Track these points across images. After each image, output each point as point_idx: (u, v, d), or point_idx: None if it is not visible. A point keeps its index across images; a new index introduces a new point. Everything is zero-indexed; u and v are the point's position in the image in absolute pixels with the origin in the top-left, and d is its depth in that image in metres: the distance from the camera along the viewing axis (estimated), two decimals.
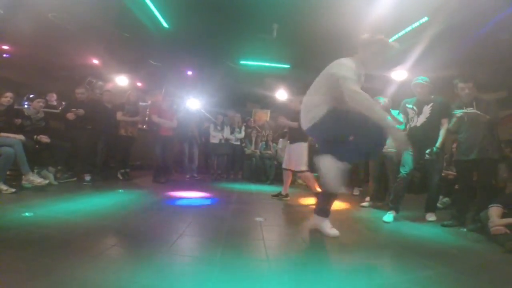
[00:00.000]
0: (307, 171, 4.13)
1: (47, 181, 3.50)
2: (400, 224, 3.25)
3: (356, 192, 5.40)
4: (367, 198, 4.29)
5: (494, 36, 4.59)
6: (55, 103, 5.69)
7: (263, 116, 10.94)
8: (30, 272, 1.37)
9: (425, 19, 4.72)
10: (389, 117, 3.89)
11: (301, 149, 4.15)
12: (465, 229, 3.09)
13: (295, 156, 4.19)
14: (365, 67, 2.40)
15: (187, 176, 6.15)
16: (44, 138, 3.88)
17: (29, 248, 1.66)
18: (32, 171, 3.65)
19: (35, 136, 3.85)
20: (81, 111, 4.37)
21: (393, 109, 4.39)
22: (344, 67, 2.23)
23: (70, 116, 4.31)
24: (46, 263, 1.48)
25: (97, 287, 1.31)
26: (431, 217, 3.44)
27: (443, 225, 3.20)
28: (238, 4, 4.82)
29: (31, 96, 4.40)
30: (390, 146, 3.99)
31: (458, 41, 5.04)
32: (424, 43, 5.17)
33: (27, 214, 2.35)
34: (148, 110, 7.52)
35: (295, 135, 4.19)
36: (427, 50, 5.35)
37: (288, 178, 4.47)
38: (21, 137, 3.46)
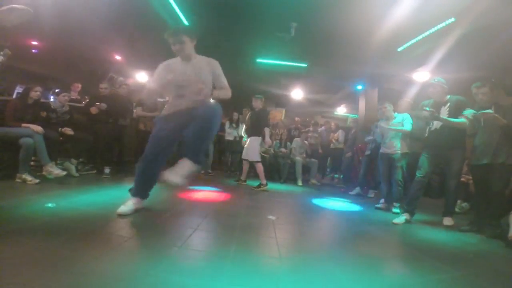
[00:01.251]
0: (260, 162, 5.05)
1: (65, 173, 3.59)
2: (416, 227, 3.19)
3: (371, 194, 5.33)
4: (382, 200, 4.24)
5: None
6: (78, 96, 5.89)
7: (278, 115, 10.92)
8: (50, 263, 1.42)
9: (452, 20, 4.55)
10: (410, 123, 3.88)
11: (255, 143, 5.04)
12: (482, 235, 2.99)
13: (251, 148, 5.05)
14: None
15: (202, 172, 6.24)
16: (68, 131, 4.04)
17: (51, 239, 1.71)
18: (56, 162, 3.82)
19: (60, 129, 4.02)
20: (103, 105, 4.51)
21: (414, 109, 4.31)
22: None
23: (93, 110, 4.47)
24: (66, 254, 1.53)
25: (114, 279, 1.35)
26: (448, 221, 3.35)
27: (461, 230, 3.11)
28: (257, 2, 4.82)
29: (56, 90, 4.58)
30: (396, 148, 3.94)
31: (484, 44, 4.85)
32: (449, 44, 5.01)
33: (49, 205, 2.43)
34: (166, 105, 7.66)
35: (252, 131, 5.14)
36: (451, 52, 5.18)
37: (245, 166, 5.36)
38: (38, 128, 3.48)
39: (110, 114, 4.67)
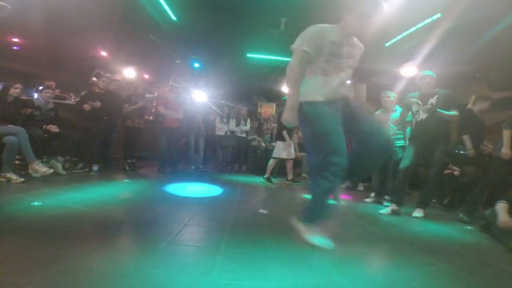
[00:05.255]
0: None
1: (51, 170, 3.53)
2: (403, 219, 3.26)
3: (360, 187, 5.42)
4: (372, 194, 4.29)
5: (507, 35, 4.49)
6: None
7: (269, 109, 10.96)
8: (38, 261, 1.41)
9: (438, 15, 4.62)
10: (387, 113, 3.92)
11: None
12: (469, 227, 3.09)
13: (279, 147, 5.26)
14: (351, 33, 2.06)
15: (193, 167, 6.21)
16: (54, 128, 3.96)
17: (38, 237, 1.70)
18: (41, 160, 3.73)
19: (44, 126, 3.93)
20: (98, 104, 4.41)
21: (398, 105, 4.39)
22: (299, 37, 2.00)
23: (86, 107, 4.37)
24: (54, 252, 1.52)
25: (102, 276, 1.34)
26: (418, 213, 3.40)
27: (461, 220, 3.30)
28: None
29: (40, 87, 4.46)
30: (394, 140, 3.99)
31: (470, 39, 4.94)
32: (436, 40, 5.09)
33: (36, 203, 2.40)
34: (154, 101, 7.57)
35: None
36: (438, 47, 5.26)
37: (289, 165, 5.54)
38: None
39: (104, 111, 4.58)
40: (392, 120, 4.04)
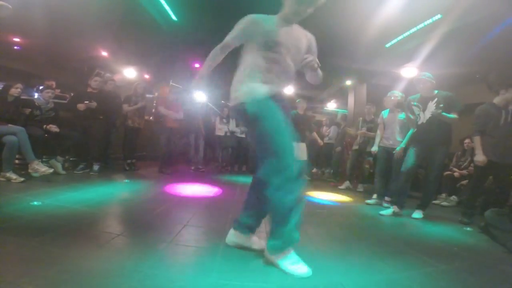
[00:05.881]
0: None
1: (51, 170, 3.53)
2: (404, 221, 3.26)
3: (360, 188, 5.40)
4: (374, 196, 4.26)
5: (506, 36, 4.50)
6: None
7: None
8: (37, 260, 1.40)
9: (439, 16, 4.62)
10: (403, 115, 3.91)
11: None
12: (468, 228, 3.09)
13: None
14: (291, 20, 1.82)
15: (192, 167, 6.21)
16: (54, 128, 3.96)
17: (37, 237, 1.69)
18: (41, 160, 3.73)
19: (44, 126, 3.93)
20: (93, 104, 4.39)
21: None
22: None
23: (80, 107, 4.35)
24: (53, 252, 1.52)
25: (101, 276, 1.34)
26: (417, 214, 3.40)
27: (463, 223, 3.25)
28: None
29: (40, 87, 4.46)
30: (395, 143, 3.99)
31: (470, 40, 4.95)
32: (436, 41, 5.09)
33: (35, 203, 2.39)
34: (154, 102, 7.57)
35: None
36: (438, 48, 5.27)
37: None
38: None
39: (99, 111, 4.56)
40: (399, 121, 4.03)
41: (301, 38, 1.87)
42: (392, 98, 4.24)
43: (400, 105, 3.99)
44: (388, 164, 4.07)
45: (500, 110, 3.26)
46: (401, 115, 4.02)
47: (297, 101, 5.67)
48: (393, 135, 4.05)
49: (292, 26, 1.84)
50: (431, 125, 3.34)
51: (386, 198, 3.98)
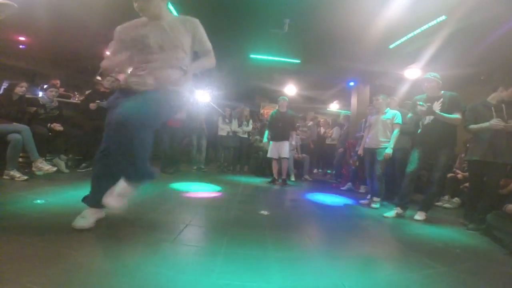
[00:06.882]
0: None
1: (55, 168, 3.55)
2: (405, 222, 3.24)
3: (362, 190, 5.39)
4: (368, 196, 4.25)
5: (511, 37, 4.47)
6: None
7: (271, 110, 10.94)
8: (40, 259, 1.40)
9: (443, 17, 4.60)
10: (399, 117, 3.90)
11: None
12: (469, 230, 3.07)
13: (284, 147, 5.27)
14: (153, 16, 2.00)
15: (195, 167, 6.22)
16: (58, 126, 3.98)
17: (40, 235, 1.69)
18: (45, 158, 3.76)
19: (48, 124, 3.95)
20: (104, 104, 4.40)
21: (401, 107, 4.36)
22: None
23: (92, 106, 4.37)
24: (56, 250, 1.52)
25: (103, 274, 1.35)
26: (419, 216, 3.36)
27: (468, 229, 3.12)
28: None
29: (45, 86, 4.48)
30: (379, 142, 3.96)
31: (474, 41, 4.92)
32: (440, 42, 5.07)
33: (38, 201, 2.41)
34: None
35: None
36: (442, 49, 5.24)
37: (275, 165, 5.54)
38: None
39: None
40: (382, 122, 4.03)
41: (172, 29, 1.96)
42: (375, 101, 4.23)
43: (412, 108, 3.95)
44: (373, 165, 4.08)
45: (490, 108, 3.19)
46: (384, 116, 4.03)
47: (278, 98, 5.59)
48: (376, 135, 4.03)
49: (159, 21, 1.97)
50: (435, 126, 3.31)
51: (374, 199, 3.98)
